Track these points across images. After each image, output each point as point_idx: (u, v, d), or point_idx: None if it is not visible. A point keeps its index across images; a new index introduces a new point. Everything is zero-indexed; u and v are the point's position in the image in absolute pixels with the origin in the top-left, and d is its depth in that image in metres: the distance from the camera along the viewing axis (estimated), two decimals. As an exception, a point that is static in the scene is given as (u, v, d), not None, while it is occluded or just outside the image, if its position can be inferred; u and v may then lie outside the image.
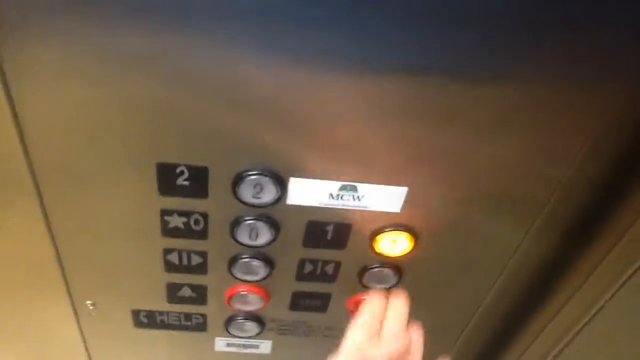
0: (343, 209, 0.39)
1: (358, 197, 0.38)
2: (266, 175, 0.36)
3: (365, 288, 0.45)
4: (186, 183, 0.37)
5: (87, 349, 0.53)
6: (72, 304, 0.47)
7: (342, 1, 0.28)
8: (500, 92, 0.32)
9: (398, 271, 0.44)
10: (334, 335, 0.51)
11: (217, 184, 0.37)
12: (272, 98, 0.32)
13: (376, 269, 0.44)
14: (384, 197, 0.38)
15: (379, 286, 0.45)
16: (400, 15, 0.28)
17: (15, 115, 0.32)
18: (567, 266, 0.45)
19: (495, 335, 0.53)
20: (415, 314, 0.48)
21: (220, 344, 0.52)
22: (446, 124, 0.33)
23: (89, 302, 0.47)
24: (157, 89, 0.31)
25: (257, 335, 0.51)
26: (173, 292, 0.46)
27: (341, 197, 0.38)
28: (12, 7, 0.28)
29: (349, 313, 0.48)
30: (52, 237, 0.41)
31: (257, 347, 0.53)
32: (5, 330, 0.51)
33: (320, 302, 0.47)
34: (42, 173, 0.36)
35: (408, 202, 0.38)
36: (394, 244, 0.42)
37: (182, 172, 0.36)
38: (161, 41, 0.29)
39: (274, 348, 0.53)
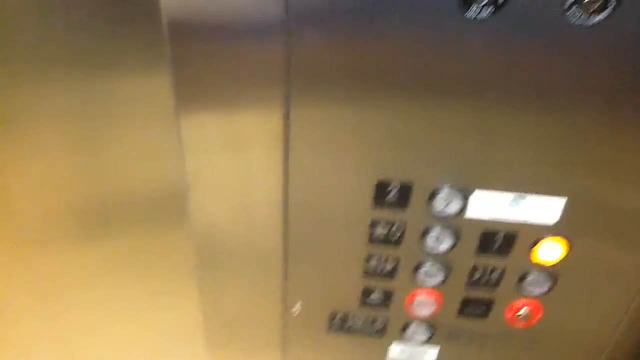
0: (511, 220, 0.50)
1: (525, 208, 0.49)
2: (456, 190, 0.49)
3: (523, 295, 0.55)
4: (394, 197, 0.50)
5: (283, 352, 0.65)
6: (284, 303, 0.60)
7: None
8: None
9: (553, 278, 0.54)
10: (491, 345, 0.61)
11: (417, 198, 0.50)
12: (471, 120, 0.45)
13: (533, 277, 0.54)
14: (545, 208, 0.49)
15: (535, 291, 0.55)
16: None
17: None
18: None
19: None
20: (563, 321, 0.58)
21: (396, 350, 0.63)
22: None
23: (295, 305, 0.60)
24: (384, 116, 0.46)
25: (426, 341, 0.61)
26: (366, 297, 0.58)
27: (510, 209, 0.50)
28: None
29: (506, 320, 0.58)
30: (286, 229, 0.55)
31: (424, 354, 0.63)
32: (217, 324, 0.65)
33: (484, 309, 0.58)
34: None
35: (566, 211, 0.49)
36: (551, 252, 0.52)
37: (391, 190, 0.50)
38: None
39: (439, 356, 0.63)
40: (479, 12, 0.39)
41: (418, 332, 0.60)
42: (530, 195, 0.48)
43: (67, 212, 0.57)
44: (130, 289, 0.64)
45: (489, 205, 0.49)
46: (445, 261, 0.54)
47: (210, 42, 0.43)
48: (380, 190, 0.50)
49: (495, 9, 0.38)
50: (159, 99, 0.48)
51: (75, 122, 0.51)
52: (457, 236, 0.52)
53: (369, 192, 0.50)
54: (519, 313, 0.57)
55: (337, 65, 0.43)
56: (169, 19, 0.42)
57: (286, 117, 0.46)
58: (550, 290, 0.54)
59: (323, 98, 0.45)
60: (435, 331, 0.60)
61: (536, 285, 0.55)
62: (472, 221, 0.51)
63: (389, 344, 0.63)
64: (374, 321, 0.61)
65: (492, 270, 0.54)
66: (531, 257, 0.52)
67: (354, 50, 0.42)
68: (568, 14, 0.38)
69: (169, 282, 0.62)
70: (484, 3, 0.38)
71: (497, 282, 0.55)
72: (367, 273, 0.56)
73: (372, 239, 0.53)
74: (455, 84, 0.43)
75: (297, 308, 0.60)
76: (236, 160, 0.50)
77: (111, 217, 0.57)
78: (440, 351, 0.63)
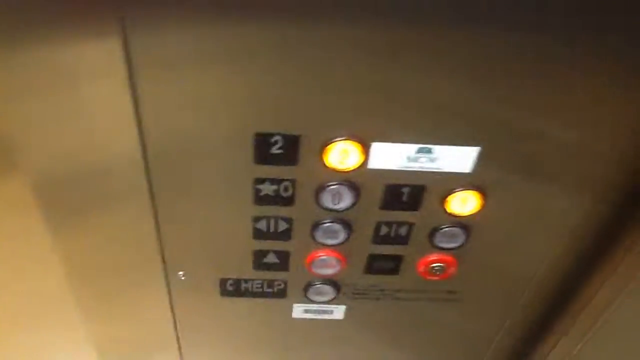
0: (419, 171, 0.43)
1: (433, 159, 0.42)
2: (353, 141, 0.40)
3: (436, 249, 0.49)
4: (279, 152, 0.41)
5: (175, 321, 0.58)
6: (166, 275, 0.52)
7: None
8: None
9: (467, 230, 0.48)
10: (404, 298, 0.55)
11: (307, 152, 0.41)
12: (359, 69, 0.36)
13: (446, 229, 0.48)
14: (457, 158, 0.42)
15: (448, 245, 0.49)
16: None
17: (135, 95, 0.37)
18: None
19: (550, 304, 0.56)
20: (479, 273, 0.52)
21: (298, 310, 0.57)
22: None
23: (180, 272, 0.52)
24: (258, 68, 0.36)
25: (332, 300, 0.55)
26: (259, 260, 0.50)
27: (417, 160, 0.42)
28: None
29: (419, 274, 0.52)
30: (154, 207, 0.45)
31: (331, 312, 0.57)
32: (100, 304, 0.56)
33: (393, 265, 0.51)
34: (154, 147, 0.41)
35: (479, 161, 0.42)
36: (464, 204, 0.45)
37: (276, 142, 0.40)
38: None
39: (347, 313, 0.57)
40: None
41: (322, 291, 0.54)
42: (438, 145, 0.40)
43: None
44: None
45: (392, 158, 0.41)
46: (346, 218, 0.47)
47: None
48: (261, 144, 0.40)
49: None
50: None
51: None
52: (357, 192, 0.44)
53: (247, 146, 0.41)
54: (432, 266, 0.51)
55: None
56: None
57: (126, 48, 0.35)
58: (465, 243, 0.48)
59: (163, 20, 0.34)
60: (340, 289, 0.54)
61: (450, 238, 0.48)
62: (374, 175, 0.43)
63: (292, 303, 0.56)
64: (272, 283, 0.53)
65: (401, 225, 0.47)
66: (443, 210, 0.45)
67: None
68: None
69: (21, 246, 0.51)
70: None
71: (406, 238, 0.48)
72: (258, 235, 0.48)
73: (259, 199, 0.45)
74: (342, 12, 0.33)
75: (182, 274, 0.52)
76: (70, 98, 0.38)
77: None
78: (348, 307, 0.57)
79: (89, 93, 0.38)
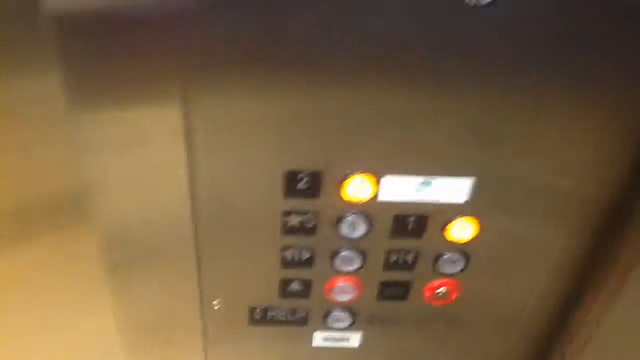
0: (421, 201, 0.50)
1: (433, 190, 0.50)
2: (366, 175, 0.48)
3: (440, 275, 0.56)
4: (305, 186, 0.49)
5: (205, 350, 0.64)
6: (201, 305, 0.59)
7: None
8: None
9: (466, 256, 0.55)
10: (413, 324, 0.62)
11: (328, 186, 0.49)
12: (372, 116, 0.45)
13: (448, 255, 0.55)
14: (454, 189, 0.50)
15: (451, 271, 0.56)
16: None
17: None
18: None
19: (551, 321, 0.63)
20: (480, 297, 0.59)
21: (318, 337, 0.63)
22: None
23: (215, 301, 0.59)
24: (293, 119, 0.45)
25: (349, 327, 0.61)
26: (284, 288, 0.57)
27: (420, 191, 0.50)
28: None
29: (426, 300, 0.59)
30: (197, 244, 0.53)
31: (348, 340, 0.63)
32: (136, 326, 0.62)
33: (402, 291, 0.58)
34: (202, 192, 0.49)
35: (474, 191, 0.50)
36: (462, 231, 0.53)
37: (302, 178, 0.49)
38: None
39: (362, 340, 0.63)
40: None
41: (340, 318, 0.60)
42: (438, 177, 0.49)
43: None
44: (41, 300, 0.60)
45: (400, 190, 0.49)
46: (361, 246, 0.54)
47: (101, 36, 0.40)
48: (290, 180, 0.48)
49: (389, -8, 0.38)
50: (51, 99, 0.45)
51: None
52: (370, 221, 0.51)
53: (278, 183, 0.49)
54: (437, 292, 0.58)
55: (233, 55, 0.41)
56: (53, 12, 0.39)
57: (185, 109, 0.44)
58: (464, 268, 0.55)
59: (223, 87, 0.43)
60: (356, 316, 0.60)
61: (451, 264, 0.55)
62: (384, 205, 0.51)
63: (313, 331, 0.62)
64: (295, 311, 0.60)
65: (407, 253, 0.55)
66: (444, 238, 0.53)
67: (248, 38, 0.40)
68: (462, -6, 0.38)
69: (81, 291, 0.58)
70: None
71: (413, 264, 0.55)
72: (285, 264, 0.55)
73: (286, 230, 0.52)
74: (357, 72, 0.42)
75: (217, 303, 0.59)
76: (138, 158, 0.47)
77: (10, 228, 0.53)
78: (363, 335, 0.63)
79: (152, 152, 0.47)
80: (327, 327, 0.61)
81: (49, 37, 0.40)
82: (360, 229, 0.52)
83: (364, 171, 0.48)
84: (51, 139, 0.47)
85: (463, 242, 0.53)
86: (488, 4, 0.39)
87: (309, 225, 0.52)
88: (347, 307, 0.60)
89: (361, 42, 0.40)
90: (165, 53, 0.41)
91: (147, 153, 0.47)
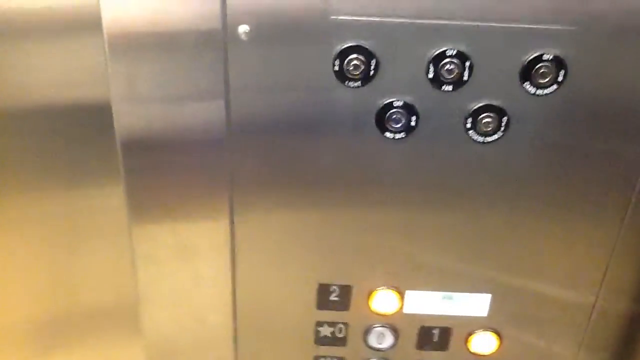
0: (444, 315, 0.54)
1: (454, 304, 0.54)
2: (392, 289, 0.53)
3: (466, 388, 0.58)
4: (336, 299, 0.54)
5: None
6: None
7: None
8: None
9: (490, 369, 0.57)
10: None
11: (357, 299, 0.54)
12: (395, 238, 0.50)
13: (472, 368, 0.57)
14: (473, 304, 0.53)
15: (476, 384, 0.58)
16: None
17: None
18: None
19: None
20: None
21: None
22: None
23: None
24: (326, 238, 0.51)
25: None
26: (316, 397, 0.60)
27: (442, 305, 0.54)
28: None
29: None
30: (236, 336, 0.57)
31: None
32: None
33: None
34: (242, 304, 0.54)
35: (493, 306, 0.54)
36: (484, 344, 0.56)
37: (334, 290, 0.54)
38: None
39: None
40: (394, 136, 0.45)
41: None
42: (457, 293, 0.53)
43: (21, 325, 0.59)
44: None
45: (424, 303, 0.54)
46: (389, 357, 0.57)
47: (158, 157, 0.48)
48: (323, 293, 0.53)
49: (406, 134, 0.45)
50: (114, 211, 0.52)
51: (34, 235, 0.55)
52: (397, 332, 0.55)
53: (312, 295, 0.54)
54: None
55: (275, 177, 0.48)
56: (122, 138, 0.47)
57: (231, 226, 0.51)
58: (489, 381, 0.58)
59: (264, 207, 0.50)
60: None
61: (476, 377, 0.58)
62: (410, 318, 0.55)
63: None
64: (326, 422, 0.62)
65: (434, 364, 0.58)
66: (467, 350, 0.56)
67: (289, 163, 0.47)
68: (469, 133, 0.45)
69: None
70: (397, 128, 0.45)
71: (440, 377, 0.58)
72: (317, 373, 0.58)
73: (319, 340, 0.56)
74: (383, 197, 0.49)
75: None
76: (185, 270, 0.53)
77: (65, 331, 0.58)
78: None
79: (199, 264, 0.53)
80: None
81: (116, 158, 0.48)
82: (388, 340, 0.56)
83: (388, 286, 0.53)
84: (110, 249, 0.55)
85: (486, 355, 0.56)
86: (489, 142, 0.46)
87: (340, 336, 0.56)
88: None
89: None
90: (214, 174, 0.49)
91: (194, 265, 0.53)
